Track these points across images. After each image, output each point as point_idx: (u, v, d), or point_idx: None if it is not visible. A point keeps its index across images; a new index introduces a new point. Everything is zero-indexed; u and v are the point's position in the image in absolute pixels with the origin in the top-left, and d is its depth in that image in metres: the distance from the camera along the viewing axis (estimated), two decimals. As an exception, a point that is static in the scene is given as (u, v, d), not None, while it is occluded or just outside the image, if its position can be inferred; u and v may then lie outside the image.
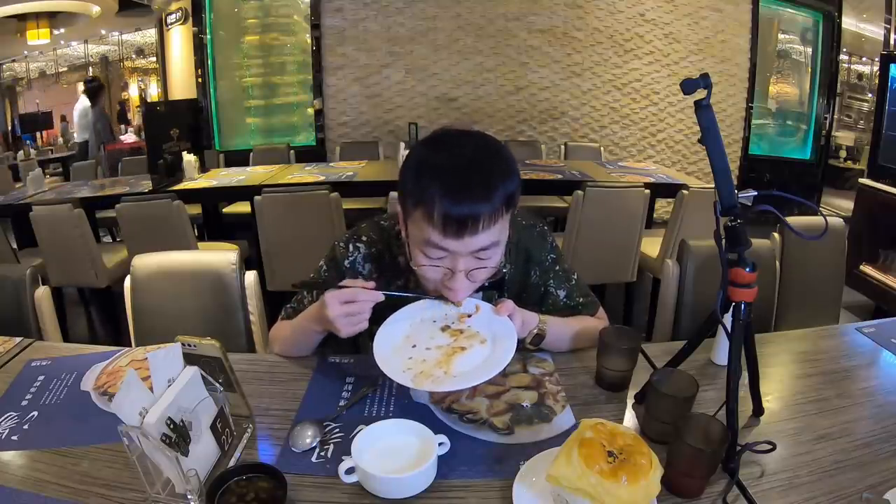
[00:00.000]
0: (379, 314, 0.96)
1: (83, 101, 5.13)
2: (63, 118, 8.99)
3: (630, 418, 0.94)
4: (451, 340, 0.94)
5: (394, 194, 0.91)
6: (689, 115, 4.87)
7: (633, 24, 4.76)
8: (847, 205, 4.01)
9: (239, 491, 0.72)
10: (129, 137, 7.34)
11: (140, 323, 1.42)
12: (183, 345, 0.83)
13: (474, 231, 0.85)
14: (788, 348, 1.19)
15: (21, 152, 7.73)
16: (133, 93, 9.56)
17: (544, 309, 1.14)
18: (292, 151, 4.47)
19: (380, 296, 0.92)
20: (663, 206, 4.21)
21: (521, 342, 0.97)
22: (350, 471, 0.76)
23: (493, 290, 1.10)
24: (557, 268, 1.16)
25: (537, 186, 3.35)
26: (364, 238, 1.09)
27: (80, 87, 5.14)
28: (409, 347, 0.94)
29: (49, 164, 7.20)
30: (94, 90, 5.40)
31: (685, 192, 2.61)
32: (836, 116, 5.50)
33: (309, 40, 4.88)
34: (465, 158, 0.87)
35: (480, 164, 0.87)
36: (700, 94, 0.79)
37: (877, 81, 3.88)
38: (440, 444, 0.81)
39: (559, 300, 1.15)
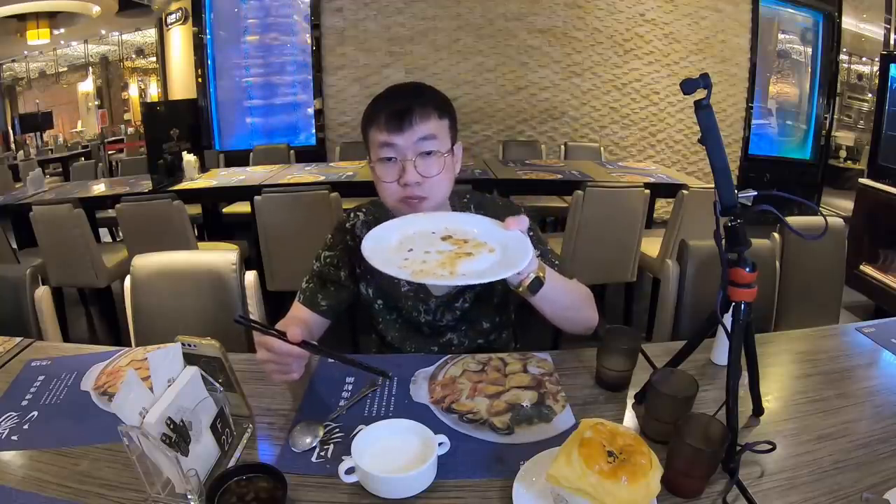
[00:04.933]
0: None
1: None
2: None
3: (630, 418, 0.93)
4: (454, 248, 0.88)
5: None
6: (689, 115, 4.87)
7: (633, 24, 4.76)
8: (847, 205, 4.01)
9: (239, 491, 0.72)
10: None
11: (140, 323, 1.42)
12: (183, 345, 0.83)
13: (410, 123, 1.01)
14: (788, 348, 1.18)
15: (21, 152, 7.74)
16: (133, 93, 9.56)
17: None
18: (292, 151, 4.48)
19: (303, 353, 0.89)
20: (663, 206, 4.21)
21: (517, 286, 0.92)
22: (350, 471, 0.76)
23: None
24: (540, 247, 1.16)
25: (537, 186, 3.35)
26: (363, 209, 1.23)
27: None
28: (405, 251, 0.87)
29: (49, 164, 7.22)
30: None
31: (685, 192, 2.61)
32: (836, 116, 5.49)
33: (309, 40, 4.89)
34: (392, 89, 1.09)
35: (412, 85, 1.10)
36: (700, 94, 0.78)
37: (877, 81, 3.88)
38: (440, 444, 0.81)
39: None
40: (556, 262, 1.17)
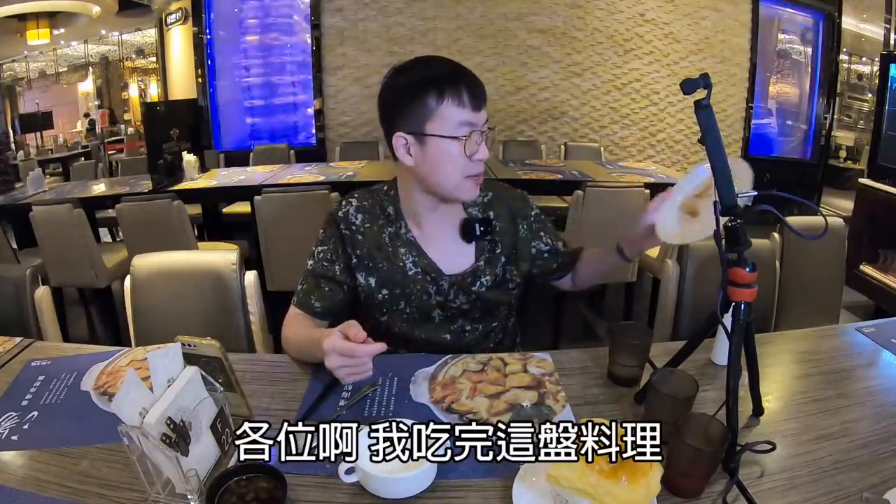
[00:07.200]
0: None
1: None
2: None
3: (630, 418, 0.93)
4: None
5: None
6: (689, 115, 4.87)
7: (633, 24, 4.76)
8: (847, 205, 4.01)
9: (239, 491, 0.72)
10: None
11: (140, 323, 1.42)
12: (183, 345, 0.83)
13: (484, 104, 1.07)
14: (788, 348, 1.19)
15: (21, 152, 7.73)
16: (133, 93, 9.56)
17: (546, 268, 1.28)
18: (292, 151, 4.48)
19: (382, 347, 0.90)
20: (663, 206, 4.20)
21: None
22: (350, 471, 0.76)
23: (485, 241, 1.18)
24: (549, 225, 1.29)
25: (537, 186, 3.35)
26: (356, 195, 1.21)
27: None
28: None
29: (49, 164, 7.22)
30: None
31: (685, 192, 2.60)
32: (836, 116, 5.50)
33: (309, 40, 4.89)
34: (450, 63, 1.09)
35: (453, 61, 1.10)
36: (700, 94, 0.78)
37: (877, 81, 3.89)
38: (440, 444, 0.80)
39: (560, 248, 1.29)
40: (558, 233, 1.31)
